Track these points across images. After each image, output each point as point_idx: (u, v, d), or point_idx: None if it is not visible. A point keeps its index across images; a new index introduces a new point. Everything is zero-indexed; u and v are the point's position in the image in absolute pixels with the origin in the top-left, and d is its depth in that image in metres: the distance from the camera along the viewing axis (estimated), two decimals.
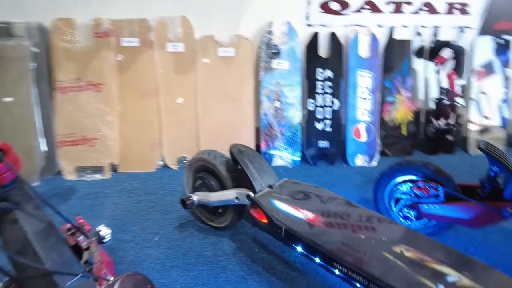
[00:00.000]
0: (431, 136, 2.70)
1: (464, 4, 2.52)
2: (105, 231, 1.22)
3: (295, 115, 2.48)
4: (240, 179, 1.59)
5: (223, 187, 1.67)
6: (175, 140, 2.43)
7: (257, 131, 2.53)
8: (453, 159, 2.68)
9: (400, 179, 1.78)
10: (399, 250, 1.22)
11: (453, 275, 1.11)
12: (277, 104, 2.46)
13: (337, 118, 2.51)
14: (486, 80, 2.67)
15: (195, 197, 1.68)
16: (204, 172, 1.77)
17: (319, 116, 2.51)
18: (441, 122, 2.68)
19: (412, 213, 1.73)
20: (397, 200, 1.80)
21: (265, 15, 2.40)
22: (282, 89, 2.44)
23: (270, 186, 1.56)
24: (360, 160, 2.54)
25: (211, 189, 1.70)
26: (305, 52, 2.47)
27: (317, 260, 1.25)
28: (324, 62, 2.47)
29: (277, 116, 2.47)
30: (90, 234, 1.18)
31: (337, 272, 1.19)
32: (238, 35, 2.38)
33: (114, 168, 2.37)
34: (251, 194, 1.50)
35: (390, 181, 1.80)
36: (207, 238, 1.77)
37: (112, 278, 0.95)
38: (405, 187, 1.76)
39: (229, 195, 1.59)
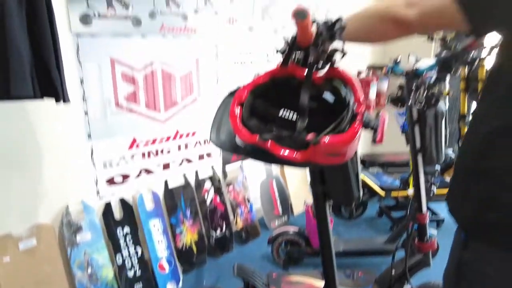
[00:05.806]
0: (214, 244, 3.76)
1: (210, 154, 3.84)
2: None
3: (108, 272, 2.97)
4: None
5: None
6: None
7: None
8: (233, 255, 3.82)
9: None
10: None
11: None
12: (90, 269, 2.89)
13: (143, 263, 3.17)
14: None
15: None
16: None
17: (128, 266, 3.09)
18: (218, 232, 3.80)
19: None
20: None
21: (60, 200, 2.88)
22: (91, 255, 2.91)
23: None
24: (171, 286, 3.25)
25: None
26: (102, 219, 3.07)
27: None
28: (120, 222, 3.13)
29: (92, 280, 2.89)
30: None
31: None
32: (38, 223, 2.74)
33: None
34: None
35: None
36: None
37: None
38: None
39: None
